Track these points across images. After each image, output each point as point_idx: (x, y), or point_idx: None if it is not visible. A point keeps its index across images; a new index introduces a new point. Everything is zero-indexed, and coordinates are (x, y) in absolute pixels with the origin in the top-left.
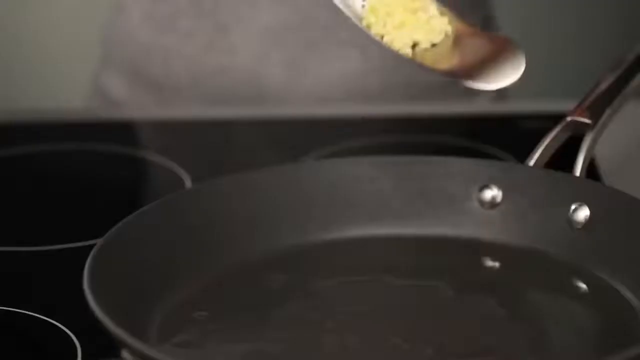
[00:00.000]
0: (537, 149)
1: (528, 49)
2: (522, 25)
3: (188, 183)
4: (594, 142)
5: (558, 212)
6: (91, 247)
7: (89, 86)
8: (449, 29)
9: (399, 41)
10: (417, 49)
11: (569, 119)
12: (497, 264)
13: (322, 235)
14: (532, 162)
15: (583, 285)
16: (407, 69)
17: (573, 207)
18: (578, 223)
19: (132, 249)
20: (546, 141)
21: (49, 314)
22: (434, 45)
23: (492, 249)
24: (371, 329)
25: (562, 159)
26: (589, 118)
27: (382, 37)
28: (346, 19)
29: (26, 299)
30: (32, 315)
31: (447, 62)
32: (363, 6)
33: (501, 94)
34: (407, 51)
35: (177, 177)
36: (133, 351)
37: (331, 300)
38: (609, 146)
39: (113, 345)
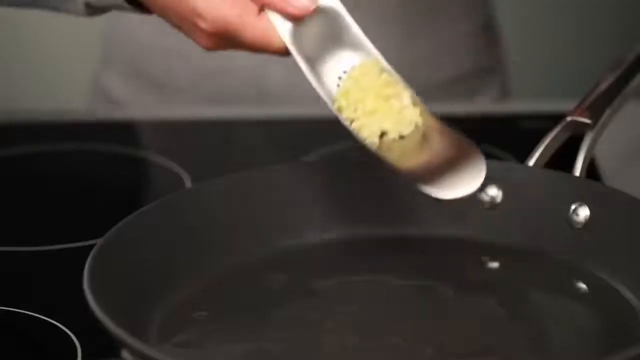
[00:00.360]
0: (537, 149)
1: (528, 49)
2: (522, 25)
3: (188, 183)
4: (594, 142)
5: (558, 212)
6: (91, 247)
7: (89, 86)
8: (419, 121)
9: (368, 129)
10: (385, 138)
11: (569, 119)
12: (497, 264)
13: (322, 235)
14: (532, 162)
15: (583, 285)
16: (406, 70)
17: (573, 207)
18: (578, 223)
19: (132, 249)
20: (546, 141)
21: (49, 314)
22: (402, 137)
23: (492, 249)
24: (371, 329)
25: (562, 159)
26: (589, 118)
27: (351, 122)
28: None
29: (26, 299)
30: (32, 315)
31: (412, 158)
32: (338, 85)
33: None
34: (374, 140)
35: (177, 177)
36: (133, 351)
37: (331, 300)
38: (609, 146)
39: (113, 345)
